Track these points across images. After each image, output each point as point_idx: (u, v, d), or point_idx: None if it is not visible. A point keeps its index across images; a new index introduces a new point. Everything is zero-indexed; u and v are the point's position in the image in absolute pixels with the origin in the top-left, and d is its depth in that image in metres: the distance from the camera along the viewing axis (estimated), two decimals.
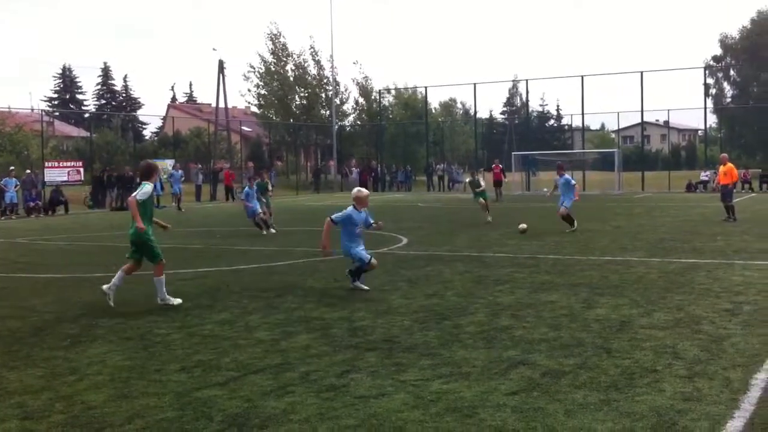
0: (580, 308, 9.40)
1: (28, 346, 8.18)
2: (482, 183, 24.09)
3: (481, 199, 23.71)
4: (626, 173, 47.71)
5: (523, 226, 18.94)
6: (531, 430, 5.20)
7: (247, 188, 21.94)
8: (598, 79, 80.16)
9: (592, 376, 6.42)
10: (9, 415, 5.84)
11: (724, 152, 31.29)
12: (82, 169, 40.09)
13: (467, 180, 26.83)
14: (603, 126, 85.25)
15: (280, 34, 61.49)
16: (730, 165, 22.74)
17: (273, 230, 21.26)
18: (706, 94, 58.86)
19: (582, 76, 48.14)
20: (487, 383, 6.30)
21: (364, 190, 11.49)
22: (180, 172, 33.42)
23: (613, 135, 79.34)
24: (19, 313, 10.13)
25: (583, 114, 50.26)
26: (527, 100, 61.72)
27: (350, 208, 11.09)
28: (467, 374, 6.59)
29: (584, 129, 55.48)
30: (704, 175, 44.75)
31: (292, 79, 61.74)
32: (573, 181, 20.83)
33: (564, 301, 9.90)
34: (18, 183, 34.42)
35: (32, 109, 58.48)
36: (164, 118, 72.86)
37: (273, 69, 61.25)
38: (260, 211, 21.26)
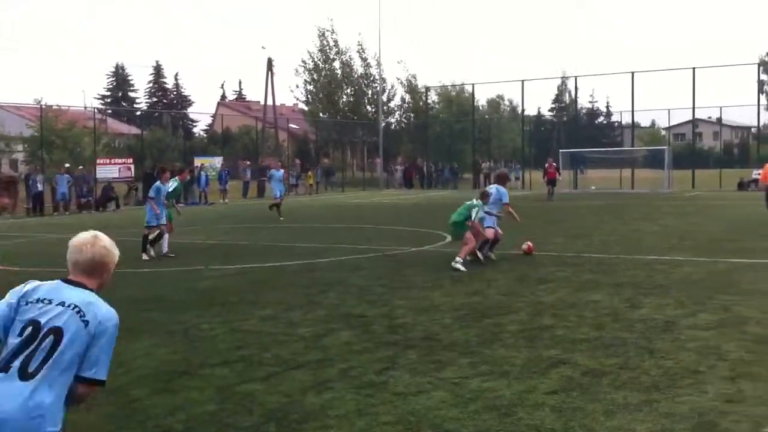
0: (624, 308, 9.30)
1: None
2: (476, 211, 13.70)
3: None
4: (676, 171, 46.89)
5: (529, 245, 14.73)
6: (569, 429, 5.19)
7: (158, 183, 16.31)
8: (648, 76, 78.69)
9: (633, 377, 6.36)
10: None
11: None
12: (132, 166, 40.76)
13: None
14: (653, 123, 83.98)
15: (332, 30, 61.85)
16: None
17: (150, 255, 15.61)
18: (760, 91, 57.53)
19: (632, 73, 47.39)
20: (527, 382, 6.29)
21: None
22: (281, 171, 28.09)
23: (663, 132, 78.06)
24: None
25: (633, 111, 49.53)
26: (576, 97, 61.02)
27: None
28: (507, 373, 6.58)
29: (634, 126, 54.68)
30: (756, 173, 43.75)
31: (339, 75, 62.03)
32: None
33: (607, 300, 9.80)
34: (71, 179, 35.10)
35: (85, 107, 59.69)
36: (214, 116, 73.74)
37: (321, 66, 61.63)
38: (163, 222, 15.82)
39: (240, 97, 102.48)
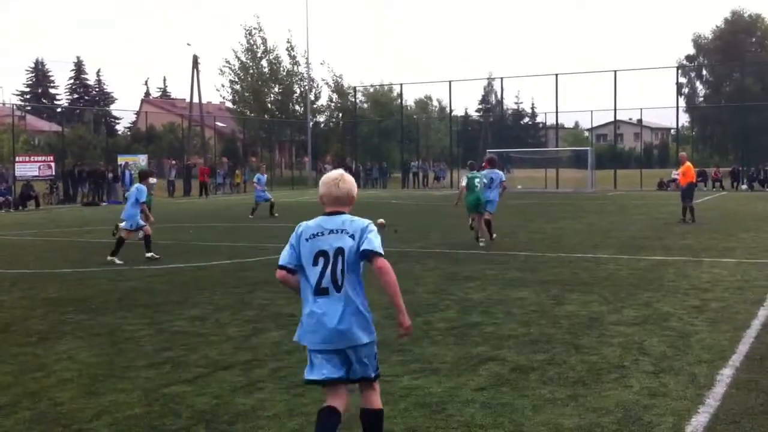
0: (550, 305, 9.46)
1: None
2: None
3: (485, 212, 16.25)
4: (599, 171, 48.15)
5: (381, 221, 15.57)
6: (498, 425, 5.24)
7: (141, 185, 15.16)
8: (572, 78, 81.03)
9: (560, 372, 6.47)
10: None
11: (695, 151, 31.49)
12: (53, 164, 39.65)
13: (463, 183, 17.06)
14: (577, 124, 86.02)
15: (260, 28, 61.28)
16: (687, 164, 22.24)
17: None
18: (679, 93, 59.38)
19: (556, 75, 48.47)
20: (456, 379, 6.33)
21: None
22: (265, 176, 25.40)
23: (586, 133, 79.93)
24: None
25: (557, 112, 50.70)
26: (502, 98, 62.04)
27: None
28: (437, 370, 6.61)
29: (558, 127, 55.86)
30: (675, 174, 45.10)
31: (267, 74, 61.54)
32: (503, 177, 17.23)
33: (534, 297, 9.96)
34: None
35: (3, 104, 57.77)
36: (138, 113, 72.23)
37: (248, 64, 61.06)
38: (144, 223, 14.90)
39: (165, 94, 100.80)
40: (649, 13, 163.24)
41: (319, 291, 4.44)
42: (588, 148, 51.61)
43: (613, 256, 14.04)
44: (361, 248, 4.39)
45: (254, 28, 61.09)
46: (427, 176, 55.75)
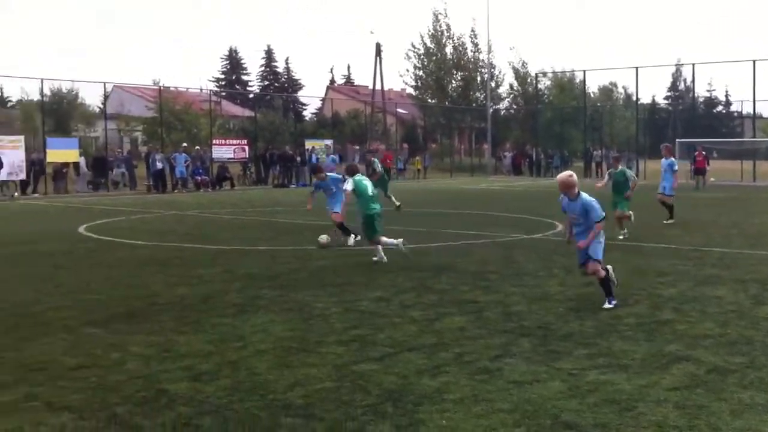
0: (750, 305, 8.91)
1: (196, 312, 8.68)
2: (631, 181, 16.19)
3: (618, 209, 15.77)
4: None
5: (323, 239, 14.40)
6: (693, 427, 5.01)
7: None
8: None
9: (760, 376, 6.09)
10: (180, 377, 6.22)
11: None
12: (247, 147, 41.77)
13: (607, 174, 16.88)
14: None
15: (445, 14, 61.58)
16: None
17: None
18: None
19: (754, 61, 45.18)
20: (648, 377, 6.10)
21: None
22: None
23: None
24: (188, 281, 10.74)
25: (754, 100, 47.31)
26: (693, 85, 58.83)
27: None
28: (626, 366, 6.41)
29: (755, 116, 52.23)
30: None
31: (451, 61, 61.72)
32: (676, 166, 19.37)
33: (731, 296, 9.41)
34: (189, 159, 36.37)
35: (201, 90, 61.39)
36: (323, 100, 74.62)
37: (432, 50, 61.53)
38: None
39: (348, 81, 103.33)
40: None
41: (578, 233, 8.99)
42: None
43: None
44: (593, 218, 8.72)
45: (439, 14, 61.42)
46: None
